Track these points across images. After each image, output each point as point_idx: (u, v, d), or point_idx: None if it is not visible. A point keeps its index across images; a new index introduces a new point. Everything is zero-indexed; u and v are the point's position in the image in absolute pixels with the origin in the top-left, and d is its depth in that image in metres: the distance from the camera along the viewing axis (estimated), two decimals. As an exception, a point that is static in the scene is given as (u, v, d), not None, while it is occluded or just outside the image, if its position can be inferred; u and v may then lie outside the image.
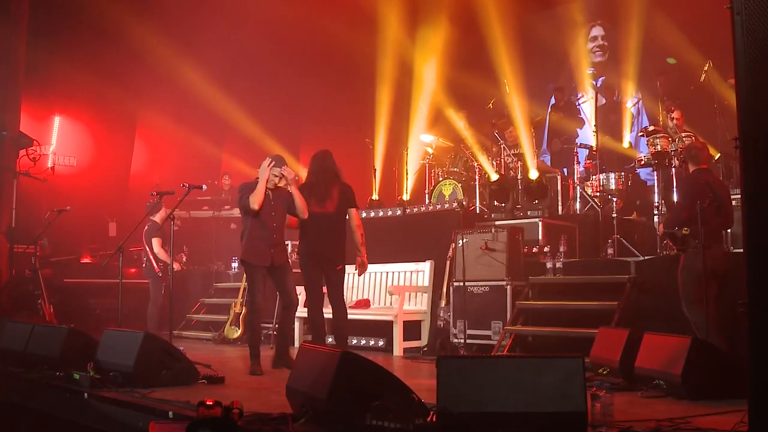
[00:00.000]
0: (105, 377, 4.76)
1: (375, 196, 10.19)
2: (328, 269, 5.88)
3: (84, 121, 11.51)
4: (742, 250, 2.98)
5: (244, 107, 12.28)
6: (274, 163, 5.78)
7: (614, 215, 7.42)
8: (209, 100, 12.08)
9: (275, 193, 5.85)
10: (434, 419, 3.18)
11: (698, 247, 5.13)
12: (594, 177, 7.99)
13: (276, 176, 5.78)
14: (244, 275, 8.72)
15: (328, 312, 5.99)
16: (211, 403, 3.15)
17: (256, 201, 5.68)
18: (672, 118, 7.91)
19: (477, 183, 8.79)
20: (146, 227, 8.40)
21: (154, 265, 8.36)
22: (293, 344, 7.48)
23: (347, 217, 6.02)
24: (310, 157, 6.20)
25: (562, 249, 6.94)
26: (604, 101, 10.33)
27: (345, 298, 6.20)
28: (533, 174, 8.59)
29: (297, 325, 8.16)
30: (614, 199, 7.57)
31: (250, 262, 5.79)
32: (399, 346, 7.21)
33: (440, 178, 9.34)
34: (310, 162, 6.16)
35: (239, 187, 5.95)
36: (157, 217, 8.45)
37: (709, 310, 5.16)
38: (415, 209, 8.67)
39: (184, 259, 9.11)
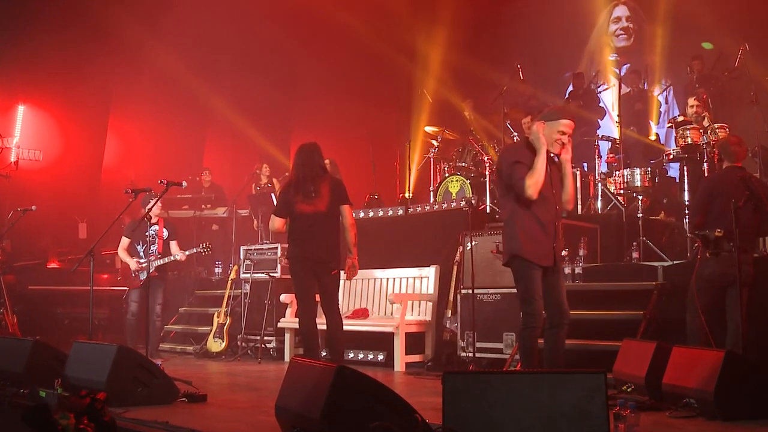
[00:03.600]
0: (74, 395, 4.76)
1: (374, 194, 10.20)
2: (321, 274, 5.86)
3: (51, 110, 11.52)
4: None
5: (228, 95, 12.29)
6: (550, 119, 4.72)
7: (640, 215, 7.42)
8: (190, 87, 12.08)
9: (551, 165, 4.77)
10: (440, 441, 3.18)
11: (732, 251, 5.14)
12: (617, 173, 7.99)
13: (559, 141, 4.72)
14: (229, 281, 8.81)
15: (321, 322, 5.98)
16: (84, 393, 3.77)
17: (534, 186, 4.58)
18: (691, 106, 7.92)
19: (487, 179, 8.79)
20: None
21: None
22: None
23: (339, 215, 6.00)
24: (296, 150, 6.15)
25: (581, 253, 6.93)
26: (628, 89, 10.34)
27: (340, 306, 6.20)
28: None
29: (288, 336, 8.18)
30: (640, 198, 7.57)
31: (529, 260, 4.66)
32: (401, 360, 7.21)
33: (446, 174, 9.34)
34: (294, 155, 6.10)
35: (501, 151, 4.94)
36: (146, 212, 7.84)
37: (737, 319, 5.21)
38: (419, 208, 8.68)
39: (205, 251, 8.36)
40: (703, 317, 5.32)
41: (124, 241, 8.18)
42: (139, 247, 8.16)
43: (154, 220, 8.08)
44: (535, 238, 4.69)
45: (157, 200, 7.17)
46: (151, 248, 8.06)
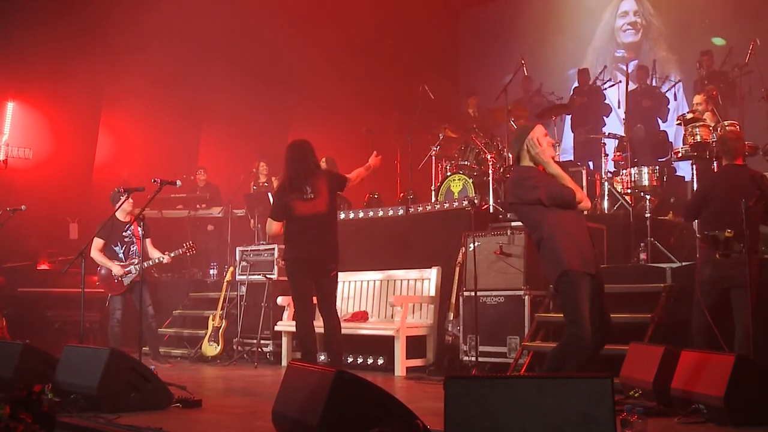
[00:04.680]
0: (65, 400, 4.76)
1: (374, 194, 10.20)
2: (320, 276, 5.84)
3: (41, 107, 11.50)
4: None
5: (223, 91, 12.28)
6: (529, 132, 4.70)
7: (647, 215, 7.42)
8: (184, 83, 12.08)
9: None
10: (441, 448, 3.18)
11: (743, 252, 5.14)
12: (624, 171, 7.99)
13: (550, 144, 4.78)
14: (224, 283, 8.81)
15: (318, 325, 5.98)
16: (21, 386, 3.93)
17: (581, 193, 4.66)
18: (698, 103, 7.93)
19: (490, 178, 8.78)
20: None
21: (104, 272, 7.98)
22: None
23: (337, 214, 5.97)
24: (286, 148, 6.10)
25: (587, 254, 6.91)
26: (635, 86, 10.33)
27: (339, 309, 6.19)
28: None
29: (285, 340, 8.18)
30: (648, 197, 7.56)
31: (577, 269, 4.46)
32: (401, 364, 7.21)
33: (448, 173, 9.34)
34: (286, 152, 6.03)
35: (516, 180, 4.71)
36: (120, 213, 7.91)
37: (743, 322, 5.28)
38: (420, 208, 8.67)
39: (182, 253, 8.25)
40: (710, 318, 5.34)
41: (98, 243, 7.87)
42: (117, 249, 7.96)
43: (127, 219, 7.90)
44: (581, 248, 4.54)
45: (151, 199, 7.06)
46: (131, 249, 7.95)
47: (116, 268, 7.87)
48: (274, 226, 5.95)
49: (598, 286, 4.58)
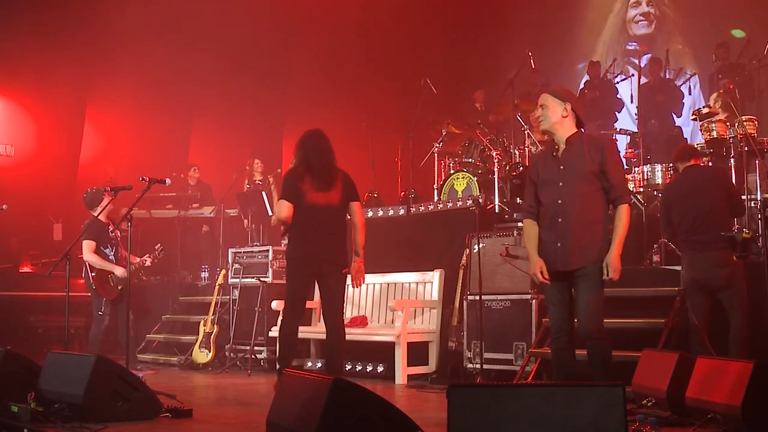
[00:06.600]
0: (49, 409, 4.76)
1: (374, 192, 10.20)
2: (328, 275, 5.73)
3: (23, 102, 11.52)
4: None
5: (215, 85, 12.28)
6: None
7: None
8: (174, 76, 12.08)
9: (567, 153, 4.69)
10: (444, 460, 3.18)
11: (762, 253, 5.18)
12: (637, 169, 8.00)
13: (535, 119, 5.01)
14: (216, 287, 8.80)
15: (319, 332, 5.95)
16: None
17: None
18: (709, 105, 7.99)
19: (496, 176, 8.78)
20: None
21: (90, 275, 7.84)
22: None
23: (348, 212, 5.93)
24: (301, 136, 5.99)
25: (597, 256, 6.92)
26: (648, 80, 10.33)
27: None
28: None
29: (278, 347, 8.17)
30: (661, 196, 7.57)
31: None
32: (402, 372, 7.21)
33: (451, 171, 9.35)
34: (301, 141, 5.88)
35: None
36: (98, 212, 7.76)
37: (735, 323, 5.58)
38: (422, 208, 8.68)
39: (148, 262, 8.22)
40: (696, 320, 5.64)
41: (92, 245, 7.79)
42: (108, 251, 7.87)
43: (104, 218, 7.81)
44: (540, 240, 4.70)
45: (139, 198, 6.98)
46: (119, 253, 7.91)
47: (119, 270, 7.78)
48: (285, 209, 5.64)
49: (577, 282, 4.59)
